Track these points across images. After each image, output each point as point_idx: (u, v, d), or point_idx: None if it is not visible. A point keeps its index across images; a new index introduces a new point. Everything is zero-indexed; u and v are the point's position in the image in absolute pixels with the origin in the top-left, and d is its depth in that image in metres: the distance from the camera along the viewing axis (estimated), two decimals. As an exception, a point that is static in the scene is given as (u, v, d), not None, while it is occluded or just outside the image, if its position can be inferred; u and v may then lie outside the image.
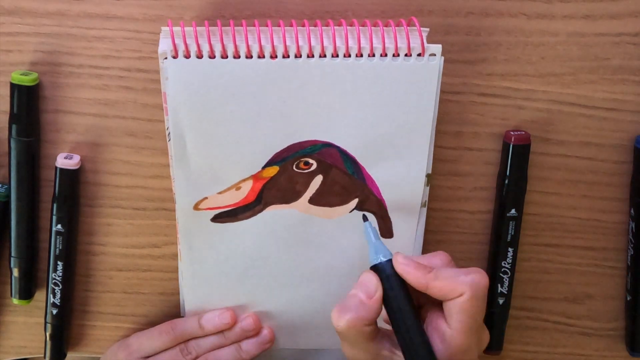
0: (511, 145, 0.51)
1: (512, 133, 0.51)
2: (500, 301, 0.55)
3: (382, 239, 0.48)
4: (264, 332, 0.54)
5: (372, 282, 0.45)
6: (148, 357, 0.54)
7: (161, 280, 0.55)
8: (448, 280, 0.43)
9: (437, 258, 0.46)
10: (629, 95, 0.52)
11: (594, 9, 0.50)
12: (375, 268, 0.45)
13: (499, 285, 0.54)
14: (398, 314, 0.44)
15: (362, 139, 0.48)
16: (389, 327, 0.46)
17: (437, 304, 0.44)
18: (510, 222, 0.53)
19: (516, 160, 0.52)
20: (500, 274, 0.54)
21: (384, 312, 0.45)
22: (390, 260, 0.45)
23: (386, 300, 0.44)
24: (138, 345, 0.54)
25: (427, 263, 0.45)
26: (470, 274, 0.43)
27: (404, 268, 0.44)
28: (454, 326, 0.43)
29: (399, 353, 0.45)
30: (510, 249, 0.54)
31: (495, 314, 0.55)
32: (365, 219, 0.48)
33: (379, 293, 0.44)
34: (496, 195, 0.53)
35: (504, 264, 0.54)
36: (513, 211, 0.52)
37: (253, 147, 0.48)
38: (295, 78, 0.46)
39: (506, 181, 0.52)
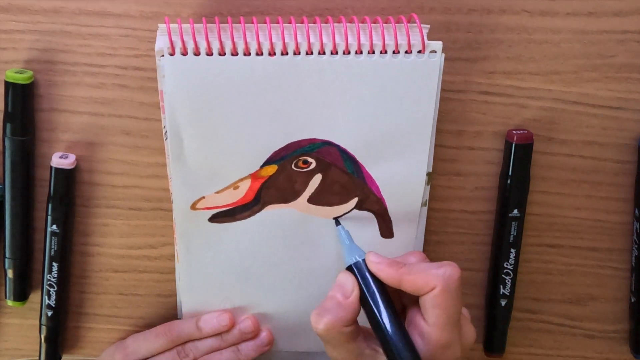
0: (513, 145, 0.51)
1: (514, 132, 0.51)
2: (503, 303, 0.54)
3: (383, 239, 0.48)
4: (262, 335, 0.54)
5: (349, 283, 0.45)
6: (145, 359, 0.53)
7: (158, 282, 0.55)
8: (420, 274, 0.43)
9: (412, 256, 0.46)
10: (633, 93, 0.51)
11: (597, 6, 0.49)
12: (351, 269, 0.46)
13: (501, 286, 0.54)
14: (375, 312, 0.44)
15: (362, 137, 0.47)
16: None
17: (416, 302, 0.44)
18: (513, 223, 0.52)
19: (519, 159, 0.51)
20: (503, 276, 0.53)
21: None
22: (364, 260, 0.45)
23: (363, 299, 0.44)
24: (135, 347, 0.53)
25: (401, 261, 0.45)
26: (441, 267, 0.43)
27: (376, 266, 0.45)
28: (430, 321, 0.43)
29: (382, 351, 0.44)
30: (512, 250, 0.53)
31: (497, 316, 0.55)
32: (337, 223, 0.49)
33: (355, 293, 0.44)
34: (498, 195, 0.53)
35: (506, 265, 0.53)
36: (515, 211, 0.52)
37: (251, 146, 0.47)
38: (294, 75, 0.45)
39: (508, 181, 0.51)
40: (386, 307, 0.44)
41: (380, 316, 0.44)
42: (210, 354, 0.53)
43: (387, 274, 0.44)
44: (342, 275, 0.46)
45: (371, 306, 0.44)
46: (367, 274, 0.45)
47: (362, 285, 0.45)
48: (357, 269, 0.45)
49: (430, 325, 0.43)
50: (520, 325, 0.57)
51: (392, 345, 0.43)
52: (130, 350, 0.53)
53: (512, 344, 0.57)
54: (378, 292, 0.44)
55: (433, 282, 0.42)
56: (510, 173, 0.51)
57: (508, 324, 0.55)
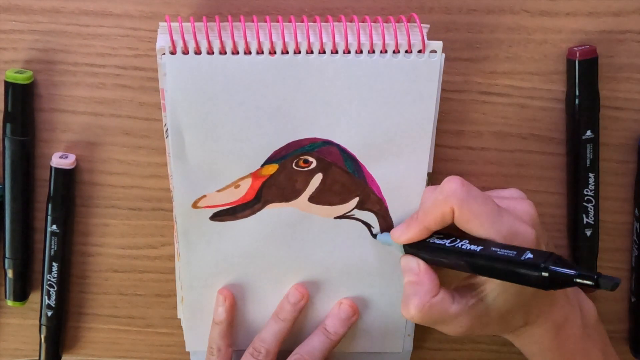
0: (577, 62, 0.48)
1: (576, 49, 0.49)
2: (588, 233, 0.52)
3: None
4: (343, 306, 0.52)
5: (412, 261, 0.46)
6: None
7: (158, 282, 0.55)
8: (430, 210, 0.44)
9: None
10: (633, 93, 0.51)
11: (597, 6, 0.49)
12: (407, 249, 0.47)
13: (584, 215, 0.51)
14: (446, 259, 0.44)
15: (363, 136, 0.47)
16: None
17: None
18: (588, 145, 0.50)
19: (585, 76, 0.49)
20: (584, 204, 0.51)
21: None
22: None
23: (435, 261, 0.45)
24: None
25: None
26: (442, 190, 0.43)
27: (399, 237, 0.46)
28: (483, 233, 0.43)
29: (485, 287, 0.44)
30: (591, 175, 0.51)
31: (583, 248, 0.52)
32: (374, 237, 0.50)
33: (422, 264, 0.45)
34: (567, 121, 0.51)
35: (586, 191, 0.51)
36: (589, 132, 0.50)
37: (252, 145, 0.47)
38: (294, 74, 0.45)
39: (577, 102, 0.49)
40: (447, 247, 0.44)
41: (459, 252, 0.43)
42: (304, 343, 0.51)
43: (411, 234, 0.45)
44: (402, 259, 0.46)
45: (445, 257, 0.44)
46: (420, 243, 0.45)
47: (424, 254, 0.45)
48: (409, 246, 0.46)
49: (486, 233, 0.42)
50: (520, 325, 0.57)
51: (493, 264, 0.41)
52: None
53: (512, 344, 0.57)
54: (437, 237, 0.45)
55: (446, 207, 0.43)
56: (577, 93, 0.49)
57: (596, 255, 0.53)
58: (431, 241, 0.45)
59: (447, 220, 0.44)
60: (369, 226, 0.50)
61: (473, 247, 0.42)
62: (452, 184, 0.43)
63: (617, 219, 0.54)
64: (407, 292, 0.45)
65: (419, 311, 0.44)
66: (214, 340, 0.52)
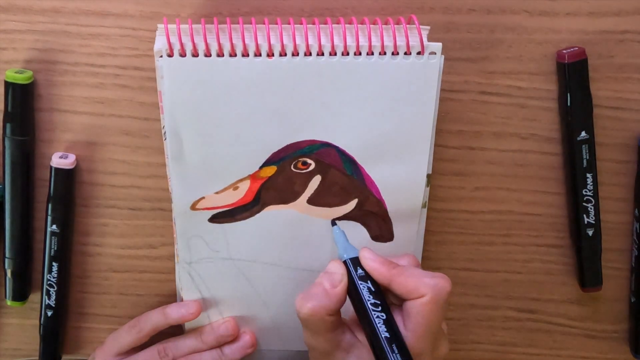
0: (566, 65, 0.49)
1: (564, 51, 0.49)
2: (590, 232, 0.52)
3: (382, 243, 0.49)
4: (245, 337, 0.53)
5: (338, 272, 0.45)
6: (123, 354, 0.53)
7: (158, 282, 0.55)
8: (412, 278, 0.43)
9: (405, 259, 0.46)
10: (633, 93, 0.51)
11: (597, 6, 0.49)
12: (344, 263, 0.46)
13: (585, 215, 0.52)
14: (361, 310, 0.44)
15: (361, 139, 0.47)
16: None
17: (399, 306, 0.45)
18: (583, 146, 0.50)
19: (575, 78, 0.49)
20: (584, 204, 0.51)
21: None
22: (357, 257, 0.46)
23: (352, 293, 0.45)
24: (111, 342, 0.53)
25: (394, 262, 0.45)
26: (434, 278, 0.43)
27: (369, 262, 0.45)
28: (409, 327, 0.43)
29: (361, 337, 0.45)
30: (588, 175, 0.51)
31: (586, 248, 0.53)
32: (333, 223, 0.49)
33: (343, 284, 0.45)
34: (560, 123, 0.51)
35: (585, 192, 0.51)
36: (583, 134, 0.50)
37: (250, 147, 0.47)
38: (292, 77, 0.45)
39: (569, 104, 0.49)
40: (375, 304, 0.44)
41: (369, 313, 0.44)
42: (192, 354, 0.52)
43: (379, 272, 0.44)
44: (332, 263, 0.46)
45: (360, 301, 0.44)
46: (360, 270, 0.45)
47: (353, 278, 0.45)
48: (350, 265, 0.45)
49: (408, 331, 0.43)
50: (520, 325, 0.57)
51: (375, 345, 0.43)
52: (107, 346, 0.53)
53: (513, 344, 0.57)
54: (369, 288, 0.44)
55: (423, 289, 0.43)
56: (568, 95, 0.49)
57: (600, 254, 0.53)
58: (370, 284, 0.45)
59: (404, 293, 0.43)
60: (368, 228, 0.50)
61: (383, 328, 0.43)
62: (447, 285, 0.43)
63: (617, 219, 0.54)
64: (313, 291, 0.45)
65: (309, 315, 0.44)
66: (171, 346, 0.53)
